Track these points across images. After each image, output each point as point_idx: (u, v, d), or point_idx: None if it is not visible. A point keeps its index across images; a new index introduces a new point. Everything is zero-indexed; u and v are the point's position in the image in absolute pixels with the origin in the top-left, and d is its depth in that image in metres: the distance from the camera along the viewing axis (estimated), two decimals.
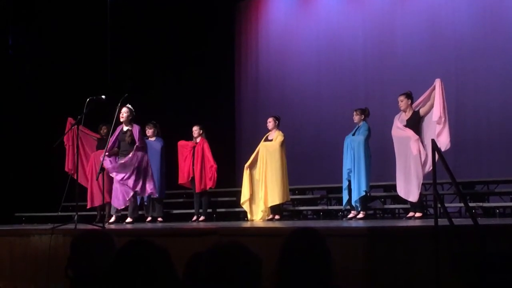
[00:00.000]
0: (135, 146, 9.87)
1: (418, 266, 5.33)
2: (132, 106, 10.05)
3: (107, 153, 9.74)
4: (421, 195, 8.99)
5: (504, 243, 5.33)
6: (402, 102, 9.21)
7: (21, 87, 13.26)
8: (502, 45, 11.88)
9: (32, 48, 13.46)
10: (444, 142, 8.63)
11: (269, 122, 10.63)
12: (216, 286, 2.67)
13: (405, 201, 9.55)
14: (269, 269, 2.99)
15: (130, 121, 10.04)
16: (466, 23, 12.32)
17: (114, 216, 10.17)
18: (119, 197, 9.89)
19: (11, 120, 12.96)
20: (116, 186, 9.93)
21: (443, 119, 8.67)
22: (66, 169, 11.17)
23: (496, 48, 11.92)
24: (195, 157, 10.99)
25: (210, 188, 11.10)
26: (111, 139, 9.88)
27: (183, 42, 14.40)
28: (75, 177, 9.72)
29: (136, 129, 10.01)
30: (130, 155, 9.79)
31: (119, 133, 10.02)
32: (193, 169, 11.00)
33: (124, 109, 9.93)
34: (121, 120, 9.97)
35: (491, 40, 11.99)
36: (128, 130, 10.00)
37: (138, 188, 9.86)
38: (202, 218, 11.02)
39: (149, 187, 9.98)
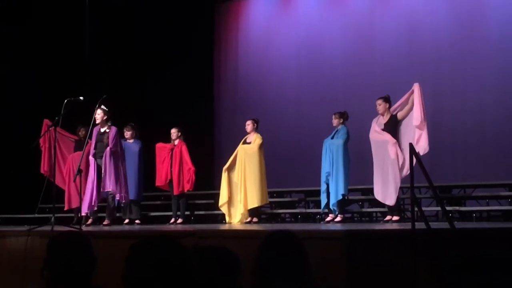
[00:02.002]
0: (107, 149, 9.87)
1: (395, 269, 5.35)
2: (110, 107, 10.03)
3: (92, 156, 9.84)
4: (398, 198, 9.02)
5: (480, 247, 5.37)
6: (380, 105, 9.25)
7: None
8: (479, 50, 12.00)
9: (8, 48, 13.32)
10: (423, 146, 8.68)
11: (248, 124, 10.64)
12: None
13: (382, 205, 9.59)
14: (247, 271, 2.99)
15: (106, 121, 10.04)
16: (443, 28, 12.44)
17: (91, 218, 10.11)
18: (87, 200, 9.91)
19: None
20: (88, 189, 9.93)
21: (424, 123, 8.73)
22: (42, 171, 11.08)
23: (473, 53, 12.04)
24: (173, 159, 10.96)
25: (188, 190, 11.08)
26: (90, 143, 9.93)
27: (163, 44, 14.35)
28: (52, 179, 9.66)
29: (113, 131, 10.00)
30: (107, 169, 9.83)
31: (96, 134, 10.01)
32: (171, 171, 10.97)
33: (99, 111, 9.94)
34: (97, 122, 9.98)
35: (468, 45, 12.10)
36: (105, 131, 10.00)
37: (111, 188, 9.87)
38: (180, 220, 10.99)
39: (113, 188, 9.97)
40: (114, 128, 10.07)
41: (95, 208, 10.06)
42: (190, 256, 2.78)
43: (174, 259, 2.67)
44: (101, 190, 9.90)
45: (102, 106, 9.92)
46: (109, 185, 9.86)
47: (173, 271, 2.64)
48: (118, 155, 10.06)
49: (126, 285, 2.69)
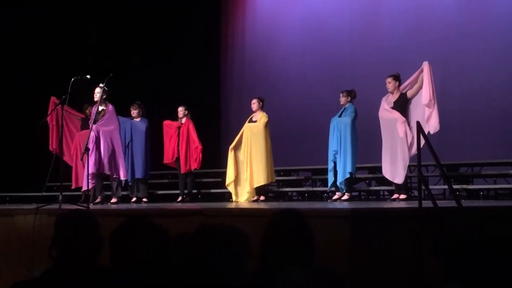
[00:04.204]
0: (93, 126, 9.83)
1: (402, 248, 5.35)
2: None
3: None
4: (406, 177, 9.02)
5: (488, 225, 5.36)
6: (390, 84, 9.23)
7: (3, 66, 13.11)
8: (487, 29, 11.91)
9: (14, 27, 13.30)
10: (433, 125, 8.70)
11: (253, 103, 10.63)
12: (202, 266, 2.69)
13: (390, 183, 9.59)
14: (253, 249, 2.99)
15: (104, 100, 9.99)
16: (452, 5, 12.36)
17: (99, 197, 10.13)
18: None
19: None
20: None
21: (433, 102, 8.72)
22: (50, 148, 11.11)
23: (482, 31, 11.96)
24: (180, 137, 10.97)
25: (195, 169, 11.09)
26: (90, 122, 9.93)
27: (169, 22, 14.30)
28: (60, 157, 9.69)
29: (108, 109, 9.98)
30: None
31: (95, 113, 9.97)
32: (178, 149, 10.99)
33: (97, 89, 9.94)
34: (95, 100, 9.99)
35: (477, 23, 12.02)
36: (102, 110, 9.98)
37: (106, 170, 9.87)
38: (187, 198, 11.03)
39: (122, 170, 9.97)
40: (110, 106, 10.04)
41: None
42: (167, 239, 2.84)
43: (148, 241, 2.75)
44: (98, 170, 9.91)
45: (101, 85, 9.87)
46: (105, 166, 9.87)
47: (149, 253, 2.71)
48: (112, 134, 10.01)
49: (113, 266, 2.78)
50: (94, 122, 9.91)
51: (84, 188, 10.13)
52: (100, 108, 10.01)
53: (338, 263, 5.15)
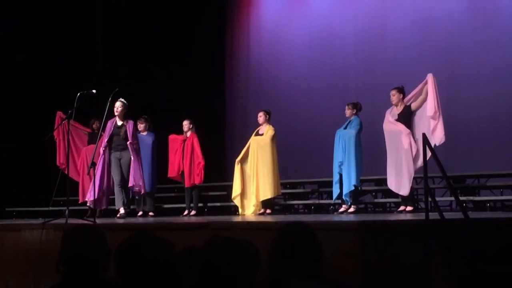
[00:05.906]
0: (127, 144, 9.80)
1: (409, 260, 5.34)
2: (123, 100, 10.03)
3: (103, 148, 9.74)
4: (412, 189, 9.01)
5: (494, 236, 5.35)
6: (394, 96, 9.24)
7: (10, 80, 13.15)
8: (492, 39, 11.91)
9: (21, 40, 13.36)
10: (439, 137, 8.68)
11: (260, 116, 10.64)
12: (213, 279, 2.70)
13: (396, 195, 9.58)
14: (262, 262, 2.99)
15: (124, 115, 9.97)
16: (456, 17, 12.36)
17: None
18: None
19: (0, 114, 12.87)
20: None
21: (438, 113, 8.71)
22: (57, 163, 11.14)
23: (487, 42, 11.96)
24: (185, 151, 10.98)
25: (198, 183, 11.08)
26: (104, 135, 9.85)
27: (174, 35, 14.36)
28: (66, 172, 9.71)
29: (130, 125, 9.94)
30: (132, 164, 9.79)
31: (113, 127, 9.94)
32: (183, 163, 10.99)
33: (118, 103, 9.86)
34: (116, 114, 9.91)
35: (482, 34, 12.02)
36: (123, 124, 9.92)
37: (130, 184, 9.87)
38: (193, 212, 11.02)
39: (138, 183, 9.96)
40: (131, 122, 10.01)
41: (104, 206, 10.06)
42: (173, 253, 2.85)
43: (155, 255, 2.76)
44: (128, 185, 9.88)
45: (121, 99, 9.87)
46: (136, 180, 9.85)
47: (156, 267, 2.72)
48: (138, 149, 10.03)
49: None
50: (111, 136, 9.90)
51: (91, 198, 10.13)
52: (120, 122, 9.98)
53: (346, 275, 5.14)
